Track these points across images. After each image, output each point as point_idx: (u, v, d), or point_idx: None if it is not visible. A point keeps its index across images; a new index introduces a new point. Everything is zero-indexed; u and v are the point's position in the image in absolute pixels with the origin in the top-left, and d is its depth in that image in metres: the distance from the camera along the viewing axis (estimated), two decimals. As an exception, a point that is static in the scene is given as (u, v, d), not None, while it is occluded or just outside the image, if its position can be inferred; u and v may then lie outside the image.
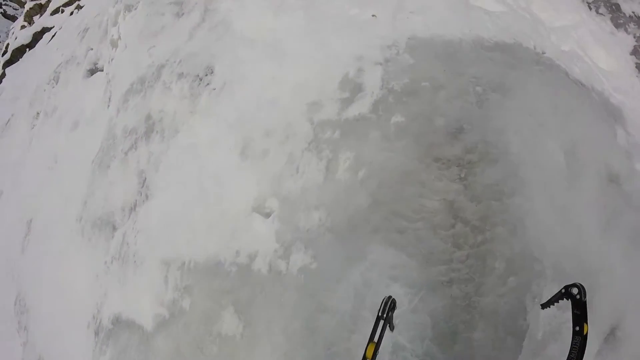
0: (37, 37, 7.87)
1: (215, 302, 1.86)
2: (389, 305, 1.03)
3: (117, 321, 2.30)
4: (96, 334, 2.47)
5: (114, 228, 2.43)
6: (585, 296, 1.11)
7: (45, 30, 7.78)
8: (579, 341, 1.08)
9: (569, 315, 1.19)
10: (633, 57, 2.49)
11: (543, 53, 2.24)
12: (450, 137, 1.79)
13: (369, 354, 0.95)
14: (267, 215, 1.79)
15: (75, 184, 2.93)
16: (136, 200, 2.29)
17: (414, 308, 1.50)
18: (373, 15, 2.24)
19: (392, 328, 1.32)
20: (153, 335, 2.06)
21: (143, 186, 2.27)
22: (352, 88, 1.96)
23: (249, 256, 1.75)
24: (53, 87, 4.65)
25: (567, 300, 1.16)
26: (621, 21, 2.56)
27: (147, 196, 2.22)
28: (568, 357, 1.09)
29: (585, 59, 2.33)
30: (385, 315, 1.01)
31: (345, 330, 1.56)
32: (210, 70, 2.31)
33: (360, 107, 1.88)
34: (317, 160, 1.77)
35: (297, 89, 2.00)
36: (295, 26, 2.36)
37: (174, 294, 2.02)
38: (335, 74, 2.03)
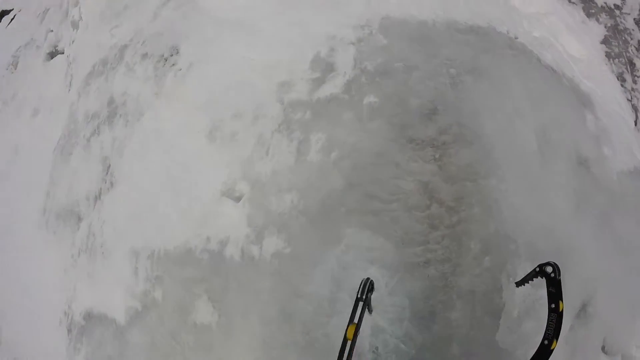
0: (-5, 21, 7.31)
1: (188, 291, 1.78)
2: (367, 287, 1.02)
3: (89, 316, 2.20)
4: (69, 331, 2.36)
5: (79, 219, 2.29)
6: (559, 274, 1.12)
7: (4, 13, 7.23)
8: (555, 318, 1.10)
9: (542, 293, 1.20)
10: (603, 45, 2.53)
11: (516, 38, 2.23)
12: (424, 118, 1.74)
13: (350, 336, 0.93)
14: (238, 199, 1.70)
15: (38, 175, 2.74)
16: (101, 189, 2.15)
17: (391, 290, 1.48)
18: (346, -7, 2.14)
19: (370, 310, 1.30)
20: (127, 329, 1.97)
21: (107, 173, 2.13)
22: (324, 68, 1.87)
23: (220, 242, 1.67)
24: (12, 72, 4.30)
25: (542, 278, 1.16)
26: (593, 11, 2.59)
27: (112, 184, 2.09)
28: (545, 334, 1.10)
29: (556, 46, 2.34)
30: (364, 297, 1.00)
31: (323, 315, 1.52)
32: (175, 51, 2.16)
33: (332, 87, 1.81)
34: (287, 141, 1.69)
35: (268, 69, 1.89)
36: (266, 5, 2.23)
37: (145, 285, 1.92)
38: (307, 54, 1.93)
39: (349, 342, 1.00)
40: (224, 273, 1.67)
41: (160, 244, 1.82)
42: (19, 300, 2.86)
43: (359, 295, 1.02)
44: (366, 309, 1.26)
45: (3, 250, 3.00)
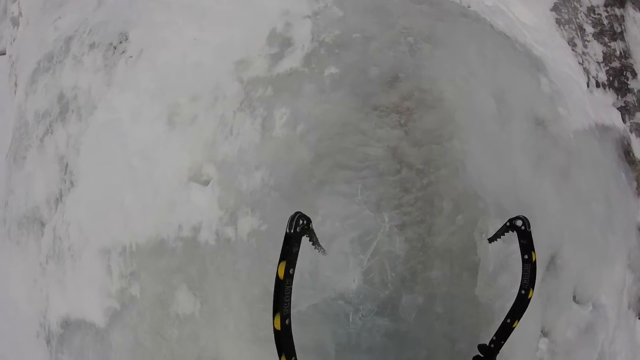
0: None
1: (166, 283, 1.65)
2: (295, 220, 0.84)
3: (66, 324, 2.02)
4: (48, 342, 2.17)
5: (42, 224, 2.07)
6: (529, 227, 1.12)
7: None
8: (529, 268, 1.10)
9: (514, 247, 1.19)
10: (553, 12, 2.55)
11: (468, 7, 2.20)
12: (387, 86, 1.67)
13: (280, 273, 0.80)
14: (205, 182, 1.57)
15: (-10, 185, 2.46)
16: (61, 190, 1.94)
17: (372, 254, 1.43)
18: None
19: (321, 250, 1.20)
20: (108, 331, 1.82)
21: (66, 173, 1.92)
22: (281, 43, 1.75)
23: (193, 228, 1.55)
24: (-47, 81, 3.83)
25: (513, 232, 1.16)
26: None
27: (72, 183, 1.88)
28: (521, 284, 1.11)
29: (508, 14, 2.33)
30: (293, 232, 0.83)
31: (307, 289, 1.45)
32: (124, 37, 1.94)
33: (292, 61, 1.69)
34: (251, 119, 1.56)
35: (221, 48, 1.74)
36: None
37: (120, 282, 1.77)
38: (262, 30, 1.79)
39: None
40: (201, 259, 1.55)
41: (131, 238, 1.67)
42: (-3, 318, 2.61)
43: (287, 231, 0.83)
44: (320, 249, 1.16)
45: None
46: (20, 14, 2.94)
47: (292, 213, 0.87)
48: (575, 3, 2.63)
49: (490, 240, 1.35)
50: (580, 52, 2.52)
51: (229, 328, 1.60)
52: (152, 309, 1.70)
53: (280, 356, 0.80)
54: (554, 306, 1.85)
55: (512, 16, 2.36)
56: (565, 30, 2.54)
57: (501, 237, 1.26)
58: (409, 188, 1.52)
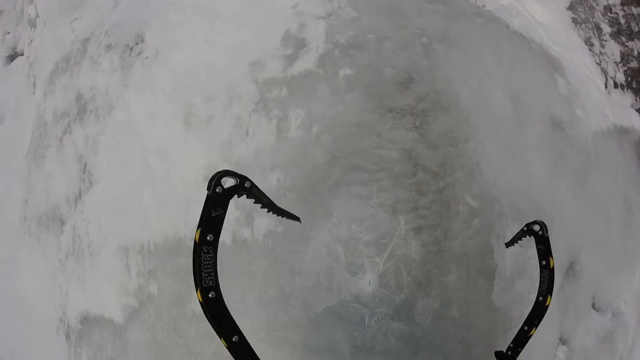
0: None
1: (183, 282, 1.66)
2: (216, 180, 0.74)
3: (85, 320, 2.05)
4: (67, 337, 2.21)
5: (62, 222, 2.10)
6: (547, 232, 1.10)
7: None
8: (547, 274, 1.08)
9: (532, 252, 1.17)
10: (569, 12, 2.49)
11: (483, 6, 2.15)
12: (401, 87, 1.65)
13: (197, 238, 0.73)
14: (222, 183, 1.58)
15: (11, 183, 2.50)
16: (80, 188, 1.97)
17: (388, 257, 1.42)
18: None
19: (291, 217, 0.99)
20: (126, 328, 1.84)
21: (85, 172, 1.94)
22: (296, 44, 1.73)
23: (209, 229, 1.55)
24: (-26, 81, 3.90)
25: (530, 237, 1.14)
26: None
27: (90, 182, 1.90)
28: (539, 290, 1.09)
29: (524, 13, 2.28)
30: (212, 193, 0.74)
31: (322, 290, 1.44)
32: (140, 39, 1.95)
33: (306, 62, 1.67)
34: (266, 120, 1.56)
35: (236, 49, 1.73)
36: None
37: (138, 280, 1.79)
38: (276, 31, 1.78)
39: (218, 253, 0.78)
40: (217, 259, 1.56)
41: (149, 237, 1.68)
42: (11, 313, 2.66)
43: (207, 192, 0.74)
44: (290, 217, 0.98)
45: (-13, 263, 2.77)
46: (37, 15, 2.97)
47: (300, 217, 0.84)
48: (591, 2, 2.56)
49: (508, 245, 1.32)
50: (598, 52, 2.46)
51: (244, 327, 1.59)
52: (169, 307, 1.72)
53: (219, 337, 0.74)
54: (572, 313, 1.80)
55: (528, 15, 2.30)
56: (581, 29, 2.48)
57: (518, 241, 1.24)
58: (425, 191, 1.50)
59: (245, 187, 0.81)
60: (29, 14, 3.05)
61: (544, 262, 1.10)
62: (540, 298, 1.08)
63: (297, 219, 1.02)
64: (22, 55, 3.03)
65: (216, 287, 0.76)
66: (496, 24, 2.09)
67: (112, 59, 1.96)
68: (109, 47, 2.03)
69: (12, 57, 3.18)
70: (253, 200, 0.86)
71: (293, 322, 1.48)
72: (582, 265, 1.81)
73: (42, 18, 2.83)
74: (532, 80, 1.97)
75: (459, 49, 1.84)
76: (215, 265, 0.76)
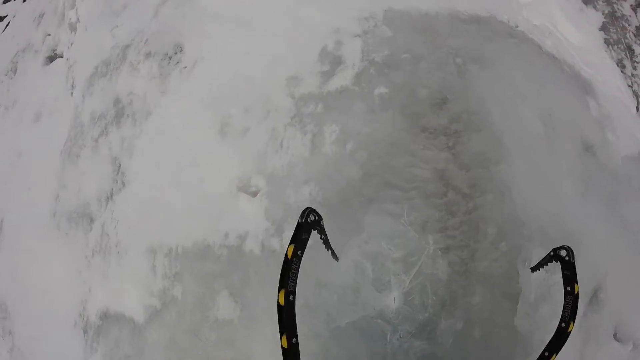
0: (-11, 28, 6.95)
1: (208, 287, 1.68)
2: (307, 214, 0.98)
3: (105, 316, 2.08)
4: (85, 331, 2.24)
5: (92, 220, 2.16)
6: (573, 257, 1.09)
7: (-2, 19, 6.88)
8: (571, 300, 1.08)
9: (557, 278, 1.16)
10: (602, 32, 2.47)
11: (516, 26, 2.15)
12: (436, 107, 1.67)
13: (289, 254, 0.91)
14: (254, 193, 1.60)
15: (44, 178, 2.58)
16: (112, 189, 2.02)
17: (414, 276, 1.42)
18: (348, -13, 2.03)
19: (332, 254, 1.26)
20: (145, 327, 1.87)
21: (118, 173, 2.00)
22: (332, 61, 1.77)
23: (239, 237, 1.57)
24: (11, 78, 4.07)
25: (556, 262, 1.13)
26: None
27: (123, 183, 1.96)
28: (562, 316, 1.08)
29: (556, 34, 2.27)
30: (304, 222, 0.97)
31: (347, 304, 1.45)
32: (179, 48, 2.02)
33: (342, 79, 1.71)
34: (301, 134, 1.59)
35: (274, 63, 1.78)
36: (266, 1, 2.11)
37: (163, 282, 1.82)
38: (313, 47, 1.82)
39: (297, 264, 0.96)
40: (244, 267, 1.58)
41: (177, 241, 1.72)
42: (33, 303, 2.73)
43: (300, 220, 0.97)
44: (331, 251, 1.23)
45: (16, 253, 2.85)
46: (78, 20, 3.10)
47: (312, 212, 1.00)
48: (623, 22, 2.54)
49: (533, 269, 1.31)
50: (630, 73, 2.42)
51: (265, 336, 1.61)
52: (191, 311, 1.74)
53: (281, 335, 0.86)
54: (593, 342, 1.76)
55: (560, 36, 2.30)
56: (614, 50, 2.45)
57: (544, 266, 1.23)
58: (455, 211, 1.51)
59: (320, 224, 1.06)
60: (70, 18, 3.19)
61: (568, 288, 1.08)
62: (563, 324, 1.06)
63: (337, 258, 1.30)
64: (62, 57, 3.15)
65: (294, 292, 0.91)
66: (529, 44, 2.09)
67: (151, 66, 2.04)
68: (148, 54, 2.11)
69: (51, 59, 3.31)
70: (317, 232, 1.08)
71: (315, 334, 1.49)
72: (607, 293, 1.77)
73: (83, 23, 2.96)
74: (564, 102, 1.96)
75: (492, 69, 1.85)
76: (297, 275, 0.92)
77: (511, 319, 1.50)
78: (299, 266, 0.93)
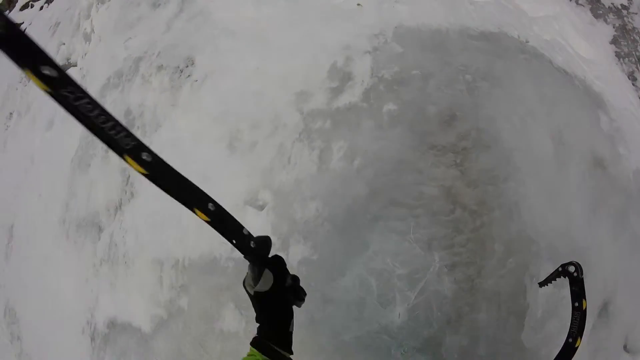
0: (5, 34, 7.15)
1: (214, 299, 1.70)
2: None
3: (112, 325, 2.11)
4: (92, 339, 2.27)
5: (100, 229, 2.20)
6: (582, 273, 1.09)
7: (13, 27, 7.07)
8: (579, 316, 1.07)
9: (565, 293, 1.16)
10: (612, 46, 2.47)
11: (527, 42, 2.16)
12: (444, 125, 1.68)
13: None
14: (261, 207, 1.62)
15: (55, 185, 2.64)
16: (121, 199, 2.06)
17: (419, 292, 1.42)
18: (358, 5, 2.06)
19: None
20: (152, 337, 1.89)
21: (127, 184, 2.04)
22: (342, 77, 1.79)
23: (245, 251, 1.59)
24: (25, 85, 4.19)
25: (564, 278, 1.13)
26: (600, 12, 2.53)
27: (132, 194, 2.00)
28: (569, 332, 1.08)
29: (567, 48, 2.28)
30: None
31: (352, 319, 1.45)
32: (191, 62, 2.07)
33: (351, 96, 1.72)
34: (309, 150, 1.60)
35: (283, 79, 1.80)
36: (278, 16, 2.15)
37: (170, 293, 1.84)
38: (323, 64, 1.84)
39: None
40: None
41: (184, 253, 1.74)
42: (41, 309, 2.76)
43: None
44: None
45: (25, 259, 2.91)
46: (93, 30, 3.19)
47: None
48: (634, 35, 2.54)
49: (541, 284, 1.31)
50: (641, 86, 2.42)
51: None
52: (198, 322, 1.75)
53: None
54: (602, 355, 1.75)
55: (571, 50, 2.30)
56: (624, 63, 2.45)
57: (552, 282, 1.22)
58: (462, 229, 1.51)
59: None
60: (85, 29, 3.27)
61: (576, 304, 1.09)
62: (570, 340, 1.07)
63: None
64: (75, 66, 3.24)
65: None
66: (539, 60, 2.09)
67: (163, 79, 2.08)
68: (160, 67, 2.16)
69: (65, 67, 3.41)
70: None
71: (320, 348, 1.49)
72: (616, 306, 1.76)
73: (97, 33, 3.04)
74: (575, 118, 1.96)
75: (502, 86, 1.86)
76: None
77: (518, 335, 1.50)
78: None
